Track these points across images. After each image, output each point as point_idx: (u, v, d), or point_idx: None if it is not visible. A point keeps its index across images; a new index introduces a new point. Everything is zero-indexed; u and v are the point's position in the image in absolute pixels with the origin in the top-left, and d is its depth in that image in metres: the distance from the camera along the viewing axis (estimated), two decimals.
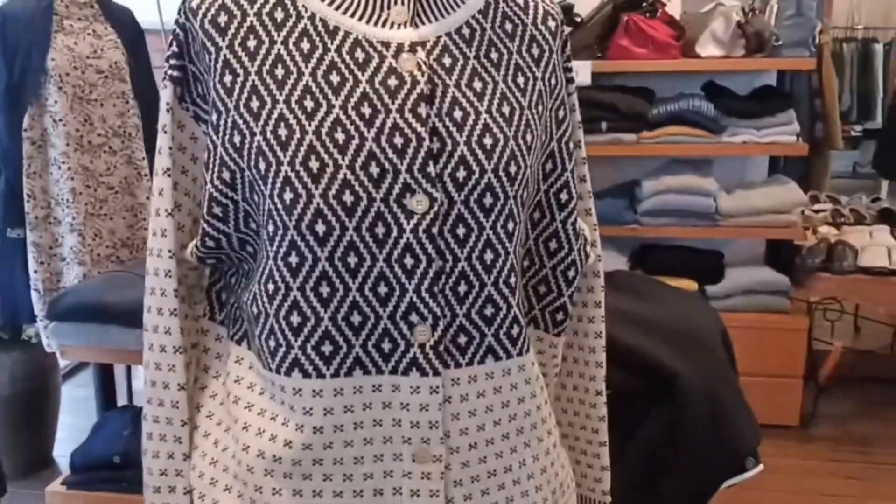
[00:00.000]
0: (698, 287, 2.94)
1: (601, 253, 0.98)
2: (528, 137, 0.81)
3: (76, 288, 2.03)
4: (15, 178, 2.31)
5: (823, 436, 3.00)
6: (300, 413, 0.78)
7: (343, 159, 0.73)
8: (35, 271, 2.34)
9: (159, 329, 0.84)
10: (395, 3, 0.78)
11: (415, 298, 0.76)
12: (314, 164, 0.73)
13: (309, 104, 0.75)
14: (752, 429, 1.70)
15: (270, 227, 0.77)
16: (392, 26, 0.78)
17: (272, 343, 0.79)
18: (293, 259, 0.76)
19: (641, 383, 1.68)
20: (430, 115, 0.76)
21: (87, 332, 1.87)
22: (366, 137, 0.74)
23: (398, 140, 0.75)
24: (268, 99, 0.75)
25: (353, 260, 0.75)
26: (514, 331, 0.81)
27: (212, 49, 0.77)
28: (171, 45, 0.81)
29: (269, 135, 0.75)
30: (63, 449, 2.73)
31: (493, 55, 0.82)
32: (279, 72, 0.76)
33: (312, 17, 0.78)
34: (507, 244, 0.80)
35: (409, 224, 0.75)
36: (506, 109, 0.80)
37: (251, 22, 0.78)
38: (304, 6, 0.78)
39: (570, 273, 0.90)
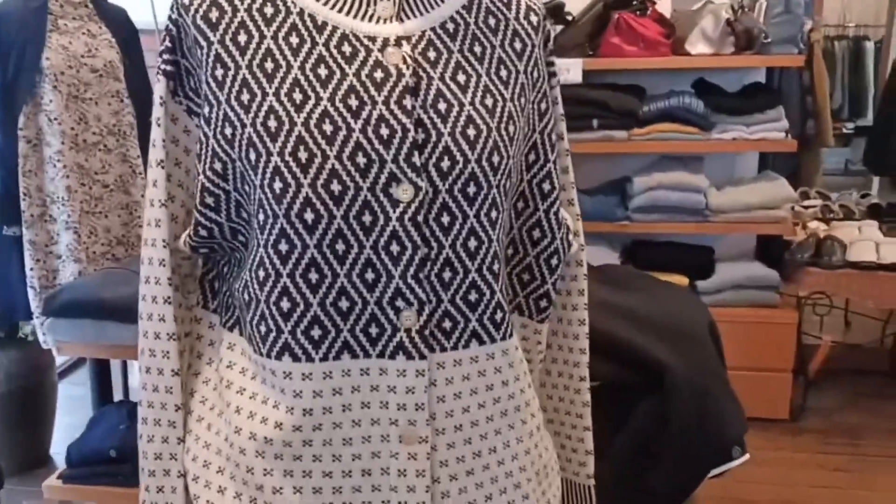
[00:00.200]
0: (689, 282, 2.97)
1: (584, 243, 1.00)
2: (511, 129, 0.84)
3: (72, 284, 2.05)
4: (10, 176, 2.33)
5: (813, 428, 3.04)
6: (290, 396, 0.80)
7: (331, 150, 0.76)
8: (31, 269, 2.36)
9: (154, 317, 0.86)
10: None
11: (401, 284, 0.79)
12: (303, 155, 0.76)
13: (298, 97, 0.77)
14: (739, 419, 1.73)
15: (261, 216, 0.79)
16: (378, 21, 0.81)
17: (263, 328, 0.81)
18: (283, 246, 0.78)
19: (632, 376, 1.70)
20: (415, 107, 0.78)
21: (83, 327, 1.89)
22: (353, 129, 0.77)
23: (384, 131, 0.77)
24: (258, 92, 0.78)
25: (340, 247, 0.78)
26: (498, 316, 0.84)
27: (203, 44, 0.80)
28: (164, 40, 0.83)
29: (259, 126, 0.77)
30: (59, 447, 2.74)
31: (477, 49, 0.84)
32: (269, 65, 0.78)
33: (301, 13, 0.80)
34: (491, 232, 0.82)
35: (395, 212, 0.78)
36: (489, 101, 0.82)
37: (241, 17, 0.80)
38: (292, 2, 0.81)
39: (553, 261, 0.93)
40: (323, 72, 0.78)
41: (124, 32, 2.54)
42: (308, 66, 0.78)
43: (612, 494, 1.63)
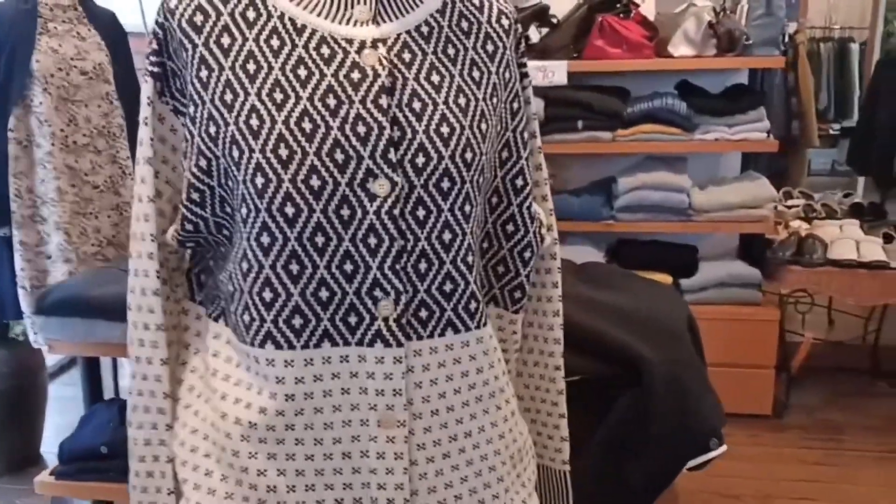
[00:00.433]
0: (673, 280, 3.01)
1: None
2: (483, 127, 0.88)
3: (63, 283, 2.07)
4: (1, 178, 2.36)
5: (795, 424, 3.08)
6: (273, 382, 0.84)
7: (310, 147, 0.80)
8: (22, 269, 2.38)
9: (143, 308, 0.90)
10: (359, 2, 0.85)
11: (378, 275, 0.83)
12: (283, 152, 0.80)
13: (279, 96, 0.81)
14: (716, 411, 1.77)
15: (244, 210, 0.83)
16: (355, 24, 0.85)
17: (247, 318, 0.85)
18: (265, 239, 0.82)
19: (612, 370, 1.74)
20: (390, 106, 0.82)
21: (74, 326, 1.91)
22: (331, 126, 0.80)
23: (361, 129, 0.81)
24: (240, 92, 0.82)
25: (320, 240, 0.82)
26: (472, 306, 0.88)
27: (189, 46, 0.84)
28: (151, 42, 0.87)
29: (241, 125, 0.81)
30: (50, 447, 2.76)
31: (450, 51, 0.88)
32: (251, 67, 0.82)
33: (282, 17, 0.84)
34: (465, 225, 0.86)
35: (372, 206, 0.81)
36: (462, 101, 0.86)
37: (225, 21, 0.84)
38: (273, 6, 0.85)
39: (527, 254, 0.97)
40: (303, 72, 0.82)
41: (113, 35, 2.57)
42: (288, 67, 0.82)
43: (592, 489, 1.67)
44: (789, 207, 3.48)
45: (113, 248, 2.57)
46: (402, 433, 0.85)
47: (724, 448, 1.72)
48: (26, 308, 2.38)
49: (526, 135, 0.95)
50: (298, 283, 0.82)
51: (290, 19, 0.84)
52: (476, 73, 0.89)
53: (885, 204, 3.75)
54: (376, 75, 0.83)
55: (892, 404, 3.25)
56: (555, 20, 3.09)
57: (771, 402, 3.09)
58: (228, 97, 0.82)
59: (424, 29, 0.88)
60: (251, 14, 0.84)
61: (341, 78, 0.82)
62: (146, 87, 0.88)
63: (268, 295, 0.83)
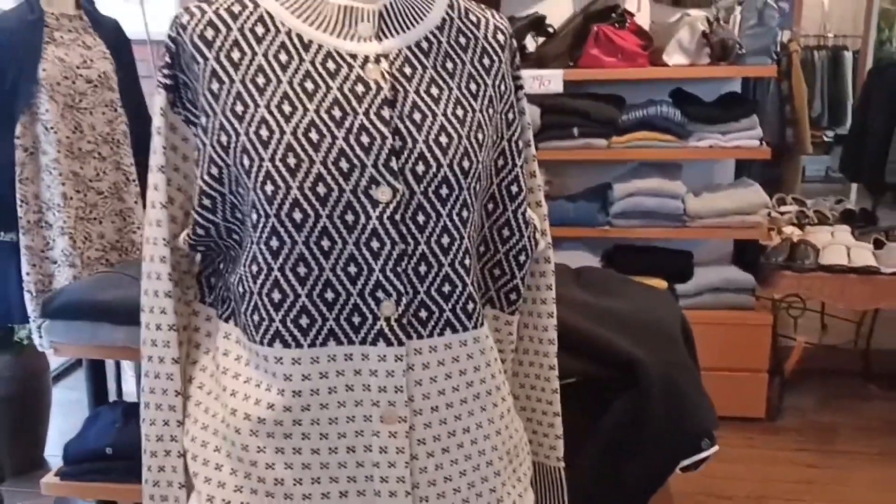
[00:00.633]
0: (668, 285, 3.05)
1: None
2: (480, 136, 0.92)
3: (68, 287, 2.11)
4: (7, 184, 2.39)
5: (788, 427, 3.12)
6: (281, 379, 0.88)
7: (317, 156, 0.84)
8: (27, 273, 2.41)
9: (155, 309, 0.94)
10: (362, 20, 0.90)
11: (380, 277, 0.87)
12: (292, 161, 0.84)
13: (287, 108, 0.86)
14: (709, 412, 1.80)
15: (254, 216, 0.87)
16: (359, 40, 0.90)
17: (256, 318, 0.89)
18: (274, 243, 0.87)
19: (608, 372, 1.77)
20: (392, 117, 0.87)
21: (79, 329, 1.93)
22: (336, 137, 0.85)
23: (365, 139, 0.86)
24: (250, 104, 0.86)
25: (326, 243, 0.86)
26: (469, 306, 0.92)
27: (200, 60, 0.88)
28: (164, 55, 0.92)
29: (251, 135, 0.85)
30: (54, 450, 2.79)
31: (449, 65, 0.93)
32: (260, 80, 0.87)
33: (289, 33, 0.89)
34: (462, 230, 0.91)
35: (374, 212, 0.86)
36: (459, 112, 0.91)
37: (235, 36, 0.88)
38: (281, 22, 0.89)
39: (522, 258, 1.01)
40: (309, 86, 0.87)
41: (117, 43, 2.61)
42: (296, 80, 0.87)
43: (590, 489, 1.70)
44: (782, 214, 3.52)
45: (116, 253, 2.60)
46: (404, 428, 0.90)
47: (715, 448, 1.76)
48: (32, 312, 2.41)
49: (521, 143, 1.00)
50: (305, 284, 0.87)
51: (297, 35, 0.89)
52: (473, 86, 0.94)
53: (877, 210, 3.80)
54: (379, 88, 0.87)
55: (883, 406, 3.30)
56: (551, 30, 3.14)
57: (764, 405, 3.12)
58: (239, 109, 0.86)
59: (424, 44, 0.92)
60: (260, 30, 0.89)
61: (346, 91, 0.87)
62: (159, 99, 0.93)
63: (276, 296, 0.88)
